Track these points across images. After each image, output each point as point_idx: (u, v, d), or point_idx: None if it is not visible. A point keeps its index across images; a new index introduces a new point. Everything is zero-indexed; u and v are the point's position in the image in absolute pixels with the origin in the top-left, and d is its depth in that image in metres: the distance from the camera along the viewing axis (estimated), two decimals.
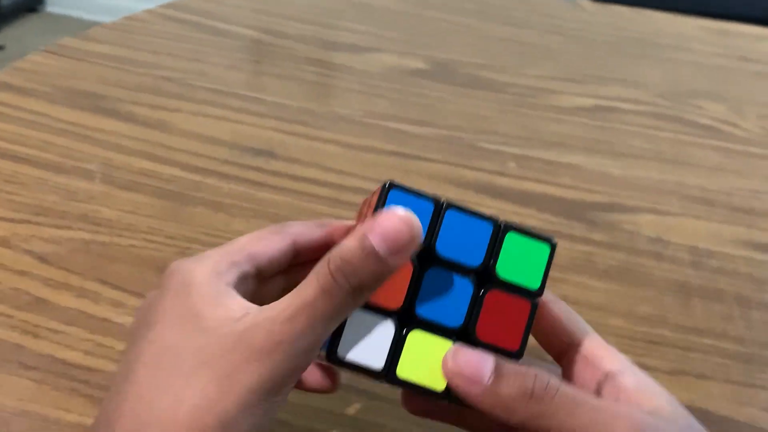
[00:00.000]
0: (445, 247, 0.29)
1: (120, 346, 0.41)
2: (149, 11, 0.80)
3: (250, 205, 0.54)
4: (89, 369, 0.40)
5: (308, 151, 0.59)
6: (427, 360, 0.29)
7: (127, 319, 0.43)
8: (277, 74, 0.69)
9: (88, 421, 0.37)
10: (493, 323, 0.30)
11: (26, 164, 0.54)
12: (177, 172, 0.56)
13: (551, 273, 0.30)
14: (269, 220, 0.52)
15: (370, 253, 0.26)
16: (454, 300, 0.29)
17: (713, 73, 0.75)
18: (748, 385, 0.44)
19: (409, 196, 0.30)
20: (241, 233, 0.51)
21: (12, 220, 0.49)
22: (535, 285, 0.30)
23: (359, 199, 0.56)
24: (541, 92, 0.70)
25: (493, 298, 0.30)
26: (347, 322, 0.29)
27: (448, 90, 0.70)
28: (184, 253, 0.49)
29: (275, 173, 0.57)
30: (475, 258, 0.30)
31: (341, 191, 0.56)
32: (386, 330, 0.29)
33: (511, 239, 0.30)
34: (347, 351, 0.29)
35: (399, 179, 0.58)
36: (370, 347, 0.29)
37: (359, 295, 0.27)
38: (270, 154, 0.59)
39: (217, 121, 0.62)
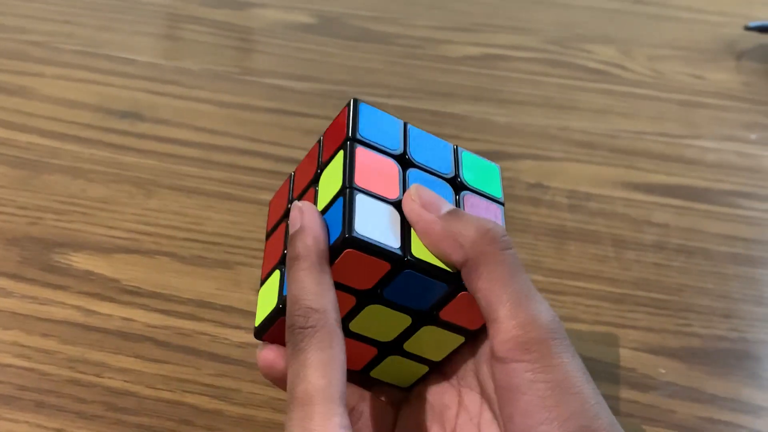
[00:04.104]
0: (417, 155, 0.30)
1: None
2: None
3: (112, 170, 0.51)
4: None
5: (179, 112, 0.57)
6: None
7: None
8: (152, 33, 0.66)
9: None
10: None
11: None
12: (35, 139, 0.53)
13: None
14: (130, 184, 0.50)
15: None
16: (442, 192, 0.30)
17: (606, 17, 0.73)
18: (618, 326, 0.44)
19: (378, 111, 0.31)
20: (99, 199, 0.49)
21: None
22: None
23: (231, 158, 0.54)
24: (430, 43, 0.68)
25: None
26: (357, 206, 0.27)
27: (335, 44, 0.67)
28: (36, 223, 0.47)
29: (140, 135, 0.54)
30: (445, 168, 0.31)
31: (212, 151, 0.53)
32: (392, 215, 0.28)
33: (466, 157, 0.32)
34: (364, 231, 0.27)
35: (276, 136, 0.56)
36: (383, 230, 0.27)
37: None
38: (137, 116, 0.56)
39: (83, 84, 0.58)
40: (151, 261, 0.45)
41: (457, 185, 0.31)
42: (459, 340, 0.30)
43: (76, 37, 0.64)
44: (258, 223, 0.48)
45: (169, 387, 0.39)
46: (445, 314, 0.29)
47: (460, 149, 0.32)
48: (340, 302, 0.27)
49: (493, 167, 0.32)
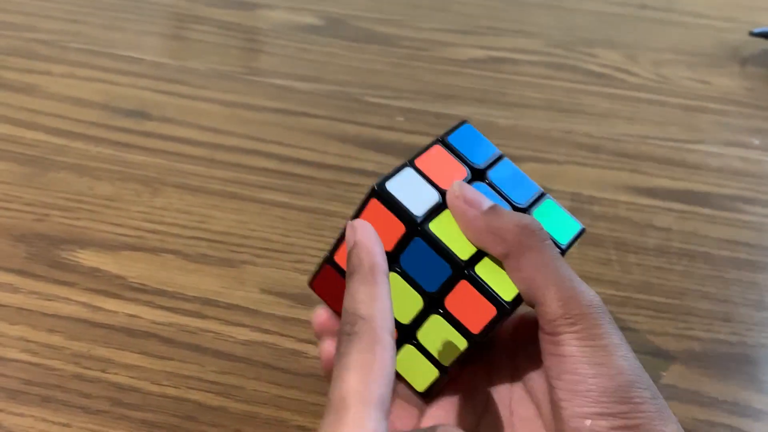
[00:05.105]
0: (495, 177, 0.33)
1: None
2: None
3: (117, 168, 0.51)
4: None
5: (184, 111, 0.57)
6: (457, 233, 0.30)
7: None
8: (158, 33, 0.66)
9: None
10: None
11: None
12: (41, 136, 0.53)
13: None
14: (136, 182, 0.50)
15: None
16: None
17: (611, 21, 0.74)
18: (619, 328, 0.44)
19: (479, 135, 0.34)
20: (105, 196, 0.49)
21: None
22: None
23: (236, 157, 0.55)
24: (436, 45, 0.69)
25: None
26: (401, 173, 0.31)
27: (340, 45, 0.68)
28: (43, 220, 0.47)
29: (146, 134, 0.54)
30: (519, 199, 0.33)
31: (216, 150, 0.54)
32: (431, 195, 0.31)
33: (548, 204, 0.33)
34: (394, 190, 0.30)
35: (280, 136, 0.56)
36: (414, 199, 0.30)
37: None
38: (143, 115, 0.56)
39: (89, 83, 0.59)
40: (156, 258, 0.45)
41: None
42: (463, 343, 0.31)
43: (83, 35, 0.64)
44: (262, 222, 0.48)
45: (173, 383, 0.39)
46: (450, 304, 0.30)
47: (546, 195, 0.33)
48: None
49: (576, 225, 0.33)
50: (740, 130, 0.60)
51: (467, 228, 0.30)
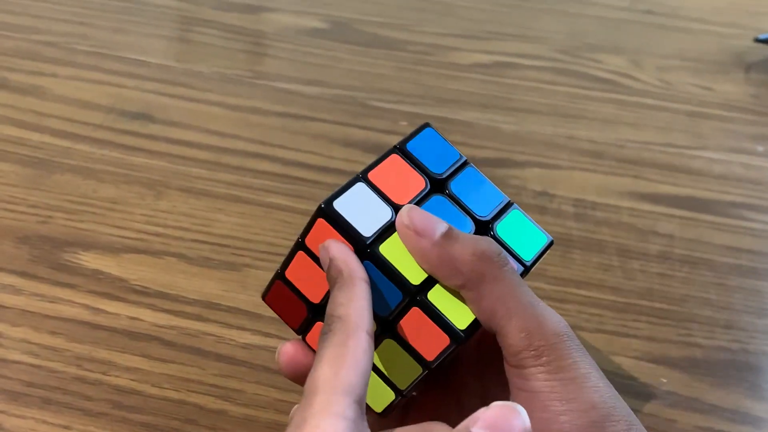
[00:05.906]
0: (457, 188, 0.31)
1: None
2: None
3: (122, 170, 0.51)
4: None
5: (189, 114, 0.57)
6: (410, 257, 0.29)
7: None
8: (164, 36, 0.67)
9: None
10: None
11: None
12: (47, 138, 0.54)
13: None
14: (141, 185, 0.50)
15: None
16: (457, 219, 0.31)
17: (616, 27, 0.74)
18: (621, 335, 0.44)
19: (441, 140, 0.32)
20: (109, 199, 0.49)
21: None
22: None
23: (240, 161, 0.55)
24: (440, 49, 0.69)
25: None
26: (351, 190, 0.29)
27: (345, 49, 0.68)
28: (46, 222, 0.47)
29: (151, 137, 0.54)
30: (481, 211, 0.31)
31: (221, 153, 0.54)
32: (384, 213, 0.29)
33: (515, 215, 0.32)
34: (342, 209, 0.29)
35: (284, 140, 0.56)
36: (364, 217, 0.29)
37: None
38: (148, 118, 0.56)
39: (96, 85, 0.59)
40: (159, 261, 0.45)
41: (483, 229, 0.31)
42: (418, 369, 0.29)
43: (89, 38, 0.65)
44: (265, 226, 0.49)
45: (174, 386, 0.39)
46: (402, 329, 0.29)
47: (514, 206, 0.32)
48: (316, 277, 0.29)
49: (543, 238, 0.32)
50: (744, 136, 0.60)
51: (419, 260, 0.28)
